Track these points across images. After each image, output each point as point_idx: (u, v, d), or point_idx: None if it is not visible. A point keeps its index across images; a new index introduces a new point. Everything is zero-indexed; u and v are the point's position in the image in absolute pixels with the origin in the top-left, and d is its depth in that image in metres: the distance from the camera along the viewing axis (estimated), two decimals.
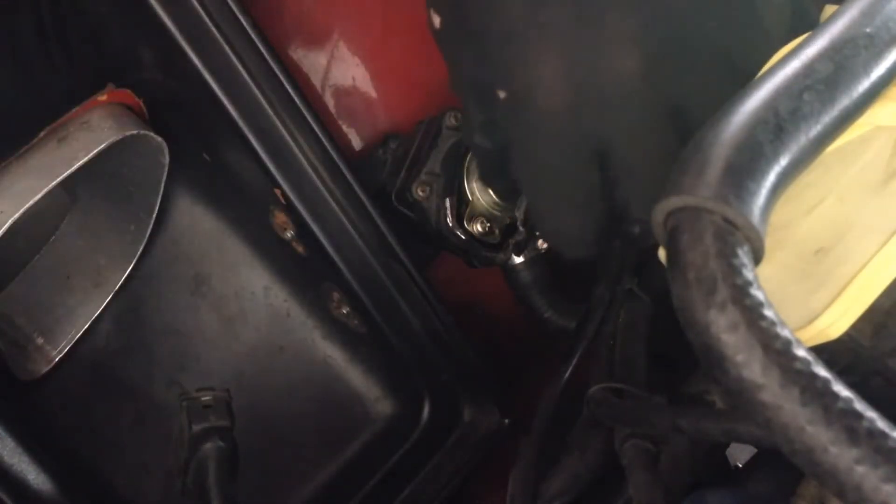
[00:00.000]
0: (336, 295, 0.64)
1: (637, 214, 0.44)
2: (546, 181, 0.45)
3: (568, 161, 0.43)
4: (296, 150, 0.56)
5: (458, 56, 0.45)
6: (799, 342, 0.24)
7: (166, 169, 0.60)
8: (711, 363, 0.25)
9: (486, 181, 0.58)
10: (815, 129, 0.29)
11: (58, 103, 0.57)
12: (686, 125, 0.41)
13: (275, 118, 0.55)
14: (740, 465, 0.58)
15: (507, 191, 0.57)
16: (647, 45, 0.39)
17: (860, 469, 0.22)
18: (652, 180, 0.42)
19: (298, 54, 0.64)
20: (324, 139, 0.57)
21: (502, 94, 0.42)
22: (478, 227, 0.59)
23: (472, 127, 0.47)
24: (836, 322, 0.34)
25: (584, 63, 0.40)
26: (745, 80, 0.36)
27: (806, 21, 0.42)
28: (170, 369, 0.64)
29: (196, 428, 0.49)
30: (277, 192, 0.57)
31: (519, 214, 0.59)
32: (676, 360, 0.53)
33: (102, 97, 0.58)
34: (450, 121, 0.59)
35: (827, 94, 0.29)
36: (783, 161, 0.28)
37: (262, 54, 0.55)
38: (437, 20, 0.45)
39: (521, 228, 0.60)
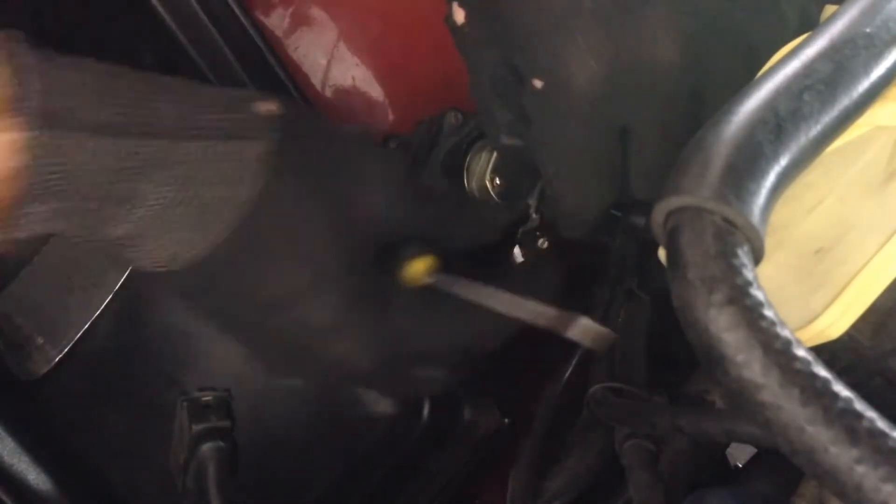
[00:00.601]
0: None
1: (636, 194, 0.45)
2: (574, 161, 0.45)
3: (596, 142, 0.43)
4: None
5: (483, 53, 0.45)
6: (799, 342, 0.24)
7: None
8: (711, 363, 0.25)
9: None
10: (815, 129, 0.29)
11: None
12: (701, 109, 0.42)
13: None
14: (740, 465, 0.58)
15: (522, 189, 0.57)
16: (685, 33, 0.40)
17: (860, 469, 0.22)
18: (657, 163, 0.43)
19: (298, 54, 0.64)
20: None
21: (538, 84, 0.42)
22: None
23: (498, 129, 0.48)
24: (836, 322, 0.34)
25: (626, 50, 0.40)
26: (759, 63, 0.37)
27: (806, 21, 0.42)
28: (170, 369, 0.64)
29: (196, 428, 0.49)
30: None
31: (532, 202, 0.59)
32: (676, 360, 0.53)
33: None
34: (450, 121, 0.59)
35: (827, 94, 0.29)
36: (783, 161, 0.28)
37: (262, 54, 0.55)
38: (460, 15, 0.45)
39: (534, 216, 0.60)
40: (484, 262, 0.54)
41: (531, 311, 0.44)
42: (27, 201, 0.40)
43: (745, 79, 0.33)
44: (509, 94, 0.45)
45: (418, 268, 0.47)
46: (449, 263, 0.48)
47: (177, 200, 0.42)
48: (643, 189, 0.45)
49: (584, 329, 0.42)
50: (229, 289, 0.45)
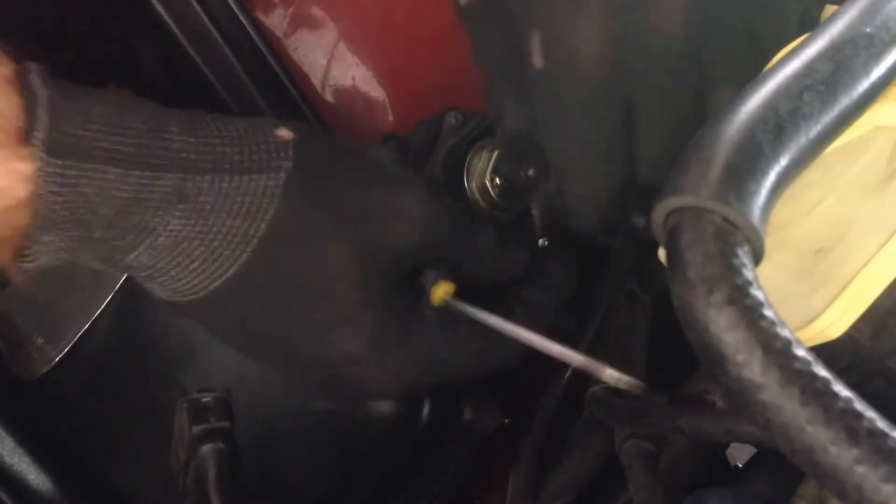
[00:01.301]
0: None
1: (642, 179, 0.44)
2: (578, 141, 0.44)
3: (601, 121, 0.43)
4: None
5: (488, 32, 0.45)
6: (799, 342, 0.24)
7: None
8: (711, 363, 0.25)
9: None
10: (815, 129, 0.29)
11: None
12: (702, 90, 0.41)
13: (275, 118, 0.55)
14: (740, 465, 0.58)
15: (523, 188, 0.57)
16: (691, 12, 0.40)
17: (860, 469, 0.22)
18: (663, 146, 0.43)
19: (298, 54, 0.64)
20: None
21: (540, 62, 0.42)
22: None
23: (503, 109, 0.47)
24: (836, 322, 0.34)
25: (631, 27, 0.40)
26: (762, 52, 0.37)
27: (806, 21, 0.42)
28: (170, 369, 0.64)
29: (196, 429, 0.49)
30: None
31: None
32: (676, 360, 0.53)
33: None
34: (450, 121, 0.59)
35: (827, 94, 0.29)
36: (783, 161, 0.28)
37: (262, 54, 0.55)
38: None
39: (535, 213, 0.59)
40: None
41: (557, 352, 0.45)
42: (37, 231, 0.40)
43: (749, 63, 0.32)
44: (514, 74, 0.44)
45: (440, 293, 0.47)
46: (466, 288, 0.48)
47: (191, 234, 0.42)
48: (649, 173, 0.44)
49: (609, 378, 0.43)
50: (250, 324, 0.45)
